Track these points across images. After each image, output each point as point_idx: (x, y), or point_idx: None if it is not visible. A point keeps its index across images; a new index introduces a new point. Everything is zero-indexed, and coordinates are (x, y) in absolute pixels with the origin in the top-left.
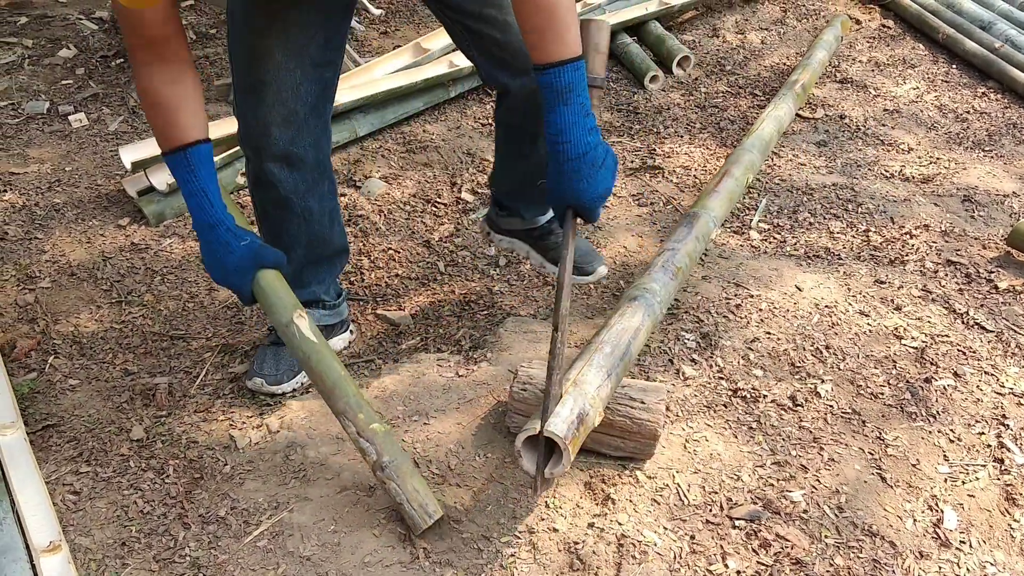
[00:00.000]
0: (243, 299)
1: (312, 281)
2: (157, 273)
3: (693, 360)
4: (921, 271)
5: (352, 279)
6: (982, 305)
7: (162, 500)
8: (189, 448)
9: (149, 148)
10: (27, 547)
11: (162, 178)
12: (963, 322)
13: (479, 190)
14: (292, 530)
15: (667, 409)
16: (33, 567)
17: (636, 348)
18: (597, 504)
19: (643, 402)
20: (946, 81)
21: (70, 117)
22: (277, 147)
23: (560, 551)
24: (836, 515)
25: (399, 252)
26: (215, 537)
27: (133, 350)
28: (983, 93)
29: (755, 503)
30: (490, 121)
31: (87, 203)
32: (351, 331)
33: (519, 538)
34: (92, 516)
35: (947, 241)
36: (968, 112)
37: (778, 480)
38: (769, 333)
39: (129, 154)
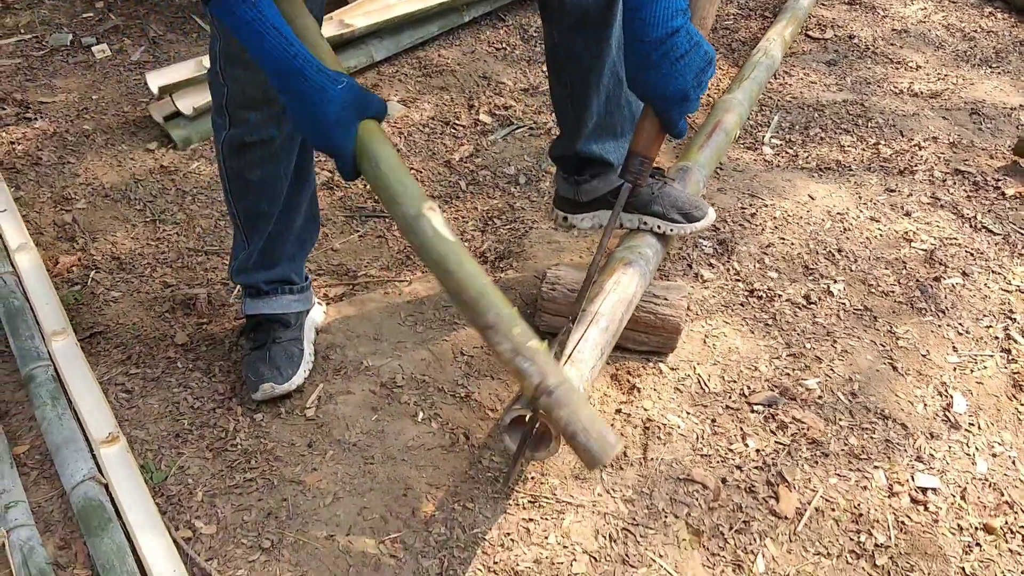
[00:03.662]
0: (344, 167)
1: (283, 258)
2: (188, 194)
3: (711, 264)
4: (930, 180)
5: (376, 198)
6: (989, 210)
7: (211, 397)
8: (232, 351)
9: (175, 73)
10: (87, 440)
11: (188, 102)
12: (971, 226)
13: (496, 112)
14: (337, 420)
15: (687, 308)
16: (94, 457)
17: (625, 321)
18: (623, 393)
19: (666, 299)
20: (953, 1)
21: (93, 48)
22: (273, 104)
23: None
24: (850, 400)
25: (421, 172)
26: (263, 428)
27: (170, 264)
28: (990, 13)
29: (772, 390)
30: (504, 45)
31: (115, 129)
32: (322, 304)
33: None
34: (145, 412)
35: (955, 152)
36: (975, 31)
37: (794, 370)
38: (783, 239)
39: (156, 79)
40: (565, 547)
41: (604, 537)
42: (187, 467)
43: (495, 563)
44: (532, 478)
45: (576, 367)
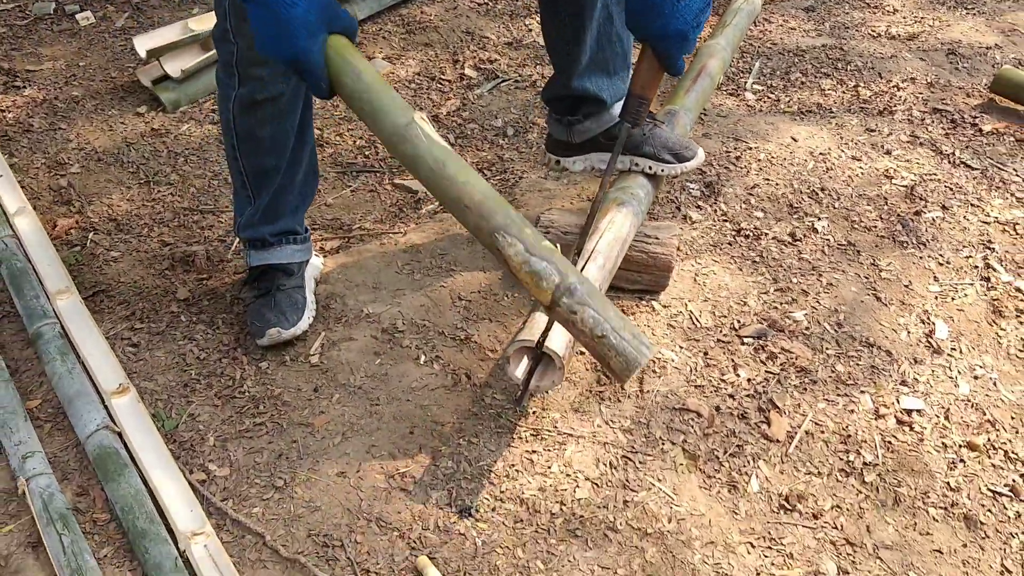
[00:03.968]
0: (314, 80)
1: (287, 211)
2: (180, 155)
3: (698, 207)
4: (909, 119)
5: (367, 153)
6: (967, 146)
7: (216, 347)
8: (234, 304)
9: (162, 37)
10: (97, 392)
11: (176, 65)
12: (950, 162)
13: (481, 66)
14: (341, 366)
15: (677, 249)
16: (106, 408)
17: (620, 259)
18: None
19: (657, 238)
20: None
21: (77, 16)
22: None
23: (587, 370)
24: (836, 330)
25: None
26: (269, 376)
27: (167, 224)
28: None
29: (761, 323)
30: (487, 1)
31: (104, 94)
32: (319, 256)
33: None
34: (152, 364)
35: (933, 92)
36: None
37: (781, 304)
38: (768, 179)
39: (144, 43)
40: (568, 475)
41: (605, 465)
42: (197, 414)
43: (502, 492)
44: (533, 413)
45: None
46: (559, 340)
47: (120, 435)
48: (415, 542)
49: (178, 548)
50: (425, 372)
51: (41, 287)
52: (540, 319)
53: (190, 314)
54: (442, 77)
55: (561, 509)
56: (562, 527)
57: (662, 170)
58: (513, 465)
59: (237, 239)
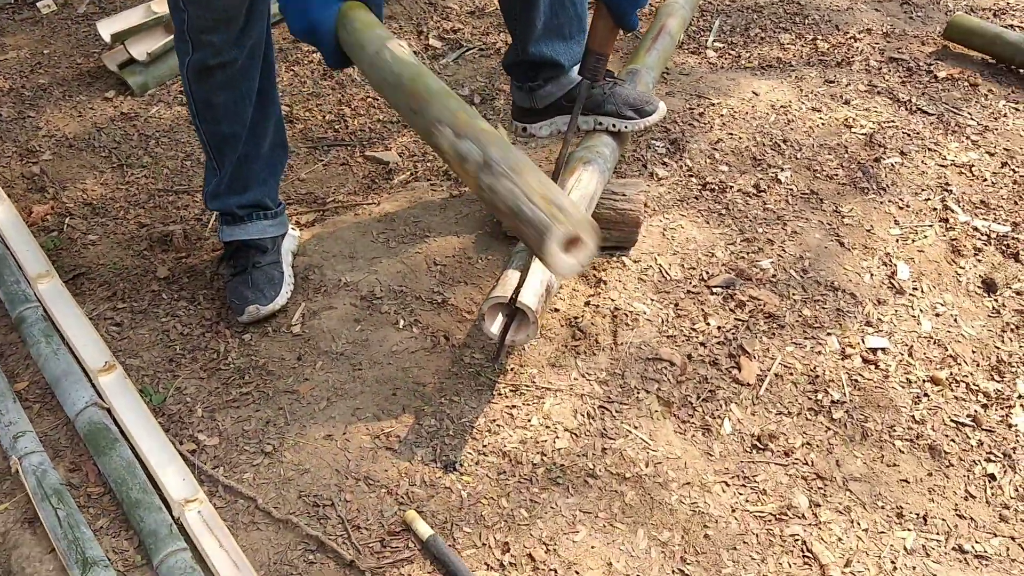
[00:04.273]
0: (326, 49)
1: (254, 182)
2: (151, 138)
3: (664, 163)
4: (866, 69)
5: (336, 127)
6: (923, 93)
7: (199, 323)
8: (214, 280)
9: (126, 20)
10: (84, 371)
11: (141, 48)
12: (907, 109)
13: (445, 36)
14: (322, 334)
15: (645, 205)
16: (93, 386)
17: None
18: (591, 287)
19: (624, 195)
20: None
21: (38, 4)
22: (232, 25)
23: (563, 326)
24: (801, 276)
25: (378, 99)
26: (252, 347)
27: (142, 205)
28: None
29: (729, 273)
30: None
31: (71, 81)
32: (296, 229)
33: None
34: (137, 342)
35: (889, 41)
36: None
37: (748, 253)
38: (731, 134)
39: (107, 27)
40: (547, 427)
41: (582, 415)
42: (184, 388)
43: (484, 446)
44: (511, 369)
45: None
46: (531, 295)
47: (109, 411)
48: (403, 497)
49: (172, 515)
50: (405, 336)
51: (21, 272)
52: (512, 276)
53: (171, 292)
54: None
55: (542, 459)
56: (544, 476)
57: (625, 126)
58: (494, 420)
59: (213, 216)
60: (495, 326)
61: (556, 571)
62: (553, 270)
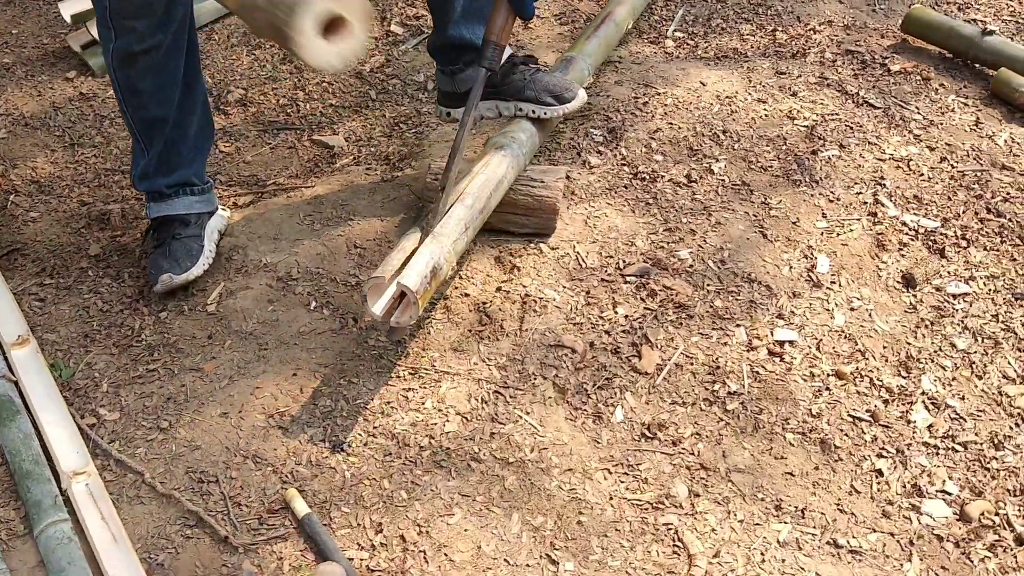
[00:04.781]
0: None
1: (182, 163)
2: (105, 118)
3: (599, 152)
4: (821, 61)
5: (288, 111)
6: (874, 86)
7: (119, 300)
8: (142, 259)
9: (87, 1)
10: (0, 345)
11: None
12: (854, 102)
13: (407, 22)
14: (236, 313)
15: (572, 193)
16: (6, 359)
17: (496, 200)
18: (505, 273)
19: (543, 181)
20: None
21: None
22: (154, 9)
23: (471, 311)
24: (719, 267)
25: (332, 84)
26: (166, 324)
27: (87, 184)
28: None
29: (646, 263)
30: None
31: (35, 61)
32: (226, 210)
33: (435, 303)
34: (57, 317)
35: (848, 34)
36: None
37: (668, 243)
38: (671, 124)
39: (68, 8)
40: (440, 410)
41: (476, 400)
42: (94, 363)
43: (375, 428)
44: (413, 352)
45: (438, 240)
46: (415, 275)
47: (17, 384)
48: (287, 476)
49: (60, 487)
50: (315, 317)
51: None
52: (397, 257)
53: (98, 269)
54: (369, 34)
55: (430, 442)
56: (429, 459)
57: (544, 112)
58: (389, 402)
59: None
60: (377, 306)
61: (425, 552)
62: (308, 59)
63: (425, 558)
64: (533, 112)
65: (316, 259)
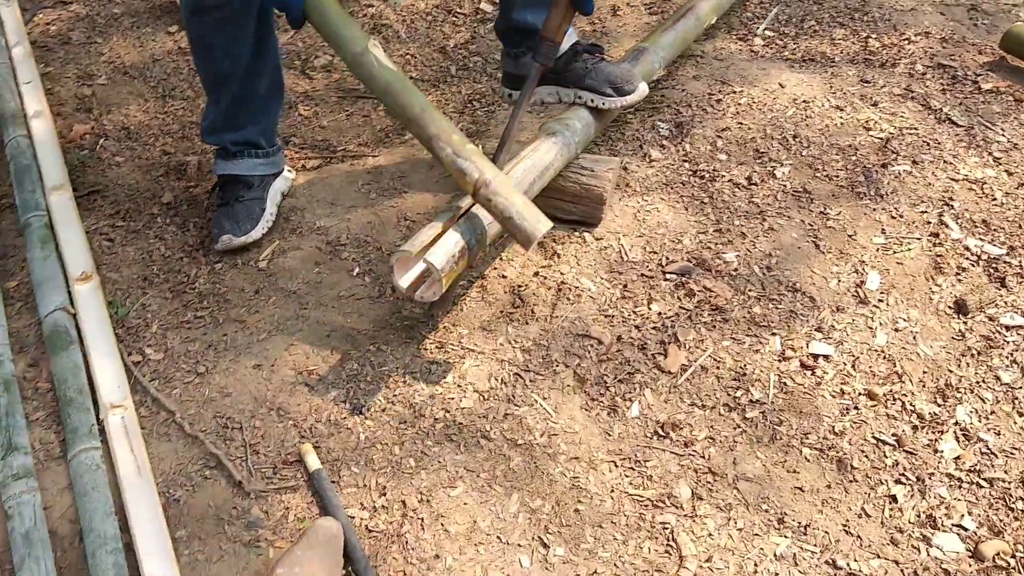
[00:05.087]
0: (293, 16)
1: (248, 121)
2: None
3: (662, 146)
4: (909, 73)
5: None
6: (960, 103)
7: (181, 247)
8: (208, 211)
9: None
10: (66, 278)
11: None
12: (936, 118)
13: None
14: (284, 272)
15: (627, 185)
16: (69, 293)
17: (539, 186)
18: (545, 258)
19: (592, 170)
20: None
21: None
22: None
23: (505, 293)
24: (764, 274)
25: (415, 57)
26: (219, 275)
27: (172, 135)
28: None
29: (689, 262)
30: None
31: (142, 13)
32: (292, 172)
33: (472, 281)
34: (122, 258)
35: (944, 47)
36: None
37: (716, 244)
38: (742, 123)
39: None
40: (459, 386)
41: (496, 380)
42: (149, 305)
43: (395, 395)
44: (444, 327)
45: (471, 221)
46: (442, 253)
47: (75, 317)
48: (306, 431)
49: (98, 417)
50: (356, 283)
51: (40, 183)
52: (428, 232)
53: (167, 216)
54: (458, 10)
55: (444, 415)
56: (441, 431)
57: (603, 103)
58: (412, 373)
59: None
60: (404, 279)
61: (423, 520)
62: (524, 248)
63: (422, 525)
64: (592, 101)
65: (366, 227)
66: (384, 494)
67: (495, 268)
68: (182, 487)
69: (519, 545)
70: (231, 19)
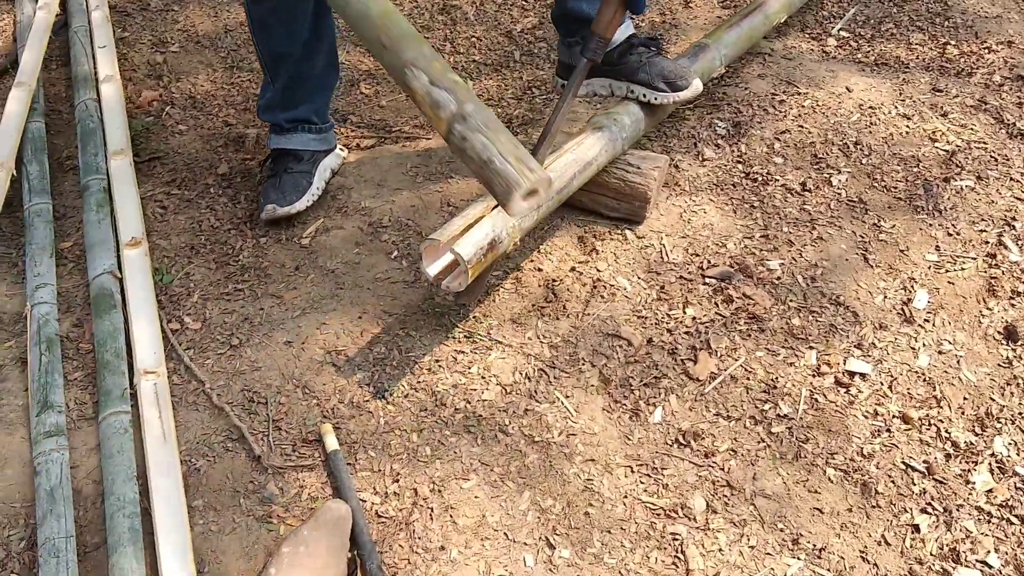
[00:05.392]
0: None
1: (302, 100)
2: None
3: (717, 145)
4: (985, 84)
5: None
6: None
7: (230, 219)
8: (260, 185)
9: None
10: (117, 242)
11: None
12: (1008, 132)
13: None
14: (325, 250)
15: (676, 184)
16: (118, 256)
17: (580, 181)
18: (584, 254)
19: (639, 167)
20: None
21: None
22: None
23: (539, 286)
24: (807, 284)
25: (481, 40)
26: (263, 249)
27: (235, 106)
28: None
29: (731, 267)
30: None
31: None
32: (343, 150)
33: (507, 272)
34: (173, 226)
35: None
36: None
37: (761, 250)
38: (803, 127)
39: None
40: (483, 378)
41: (520, 374)
42: (193, 274)
43: (419, 382)
44: (474, 317)
45: (502, 216)
46: (470, 244)
47: (121, 281)
48: (328, 411)
49: (132, 382)
50: (392, 266)
51: (104, 147)
52: (458, 222)
53: (220, 187)
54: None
55: (465, 406)
56: (460, 422)
57: (655, 98)
58: (438, 361)
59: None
60: (432, 268)
61: (432, 510)
62: (509, 212)
63: (431, 515)
64: (644, 96)
65: (409, 210)
66: (397, 480)
67: (531, 260)
68: (204, 457)
69: (525, 544)
70: (288, 2)
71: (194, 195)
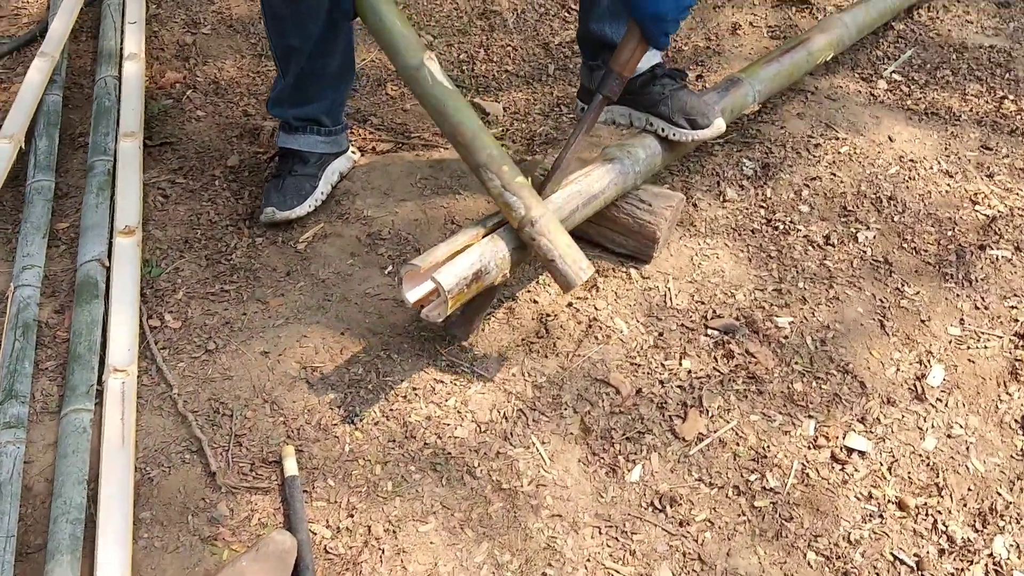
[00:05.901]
0: (341, 4)
1: (315, 98)
2: None
3: (742, 186)
4: None
5: (464, 67)
6: None
7: (229, 215)
8: (267, 181)
9: None
10: (112, 228)
11: None
12: None
13: None
14: (319, 257)
15: (692, 224)
16: (110, 243)
17: (583, 215)
18: (583, 290)
19: (650, 205)
20: None
21: None
22: None
23: (532, 319)
24: (816, 347)
25: (516, 50)
26: (257, 250)
27: (257, 96)
28: None
29: (737, 320)
30: None
31: None
32: (355, 152)
33: (501, 302)
34: (171, 216)
35: None
36: None
37: (771, 305)
38: (835, 175)
39: None
40: (459, 412)
41: (498, 412)
42: (182, 269)
43: (391, 410)
44: (459, 347)
45: (495, 243)
46: (452, 274)
47: (108, 270)
48: (294, 431)
49: (100, 378)
50: (384, 282)
51: (116, 127)
52: (443, 248)
53: (226, 180)
54: (572, 6)
55: (436, 441)
56: (428, 458)
57: (674, 134)
58: (415, 389)
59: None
60: (412, 294)
61: (384, 552)
62: (563, 292)
63: (381, 557)
64: (662, 131)
65: (411, 224)
66: (352, 515)
67: (528, 291)
68: (160, 466)
69: None
70: None
71: (198, 186)
